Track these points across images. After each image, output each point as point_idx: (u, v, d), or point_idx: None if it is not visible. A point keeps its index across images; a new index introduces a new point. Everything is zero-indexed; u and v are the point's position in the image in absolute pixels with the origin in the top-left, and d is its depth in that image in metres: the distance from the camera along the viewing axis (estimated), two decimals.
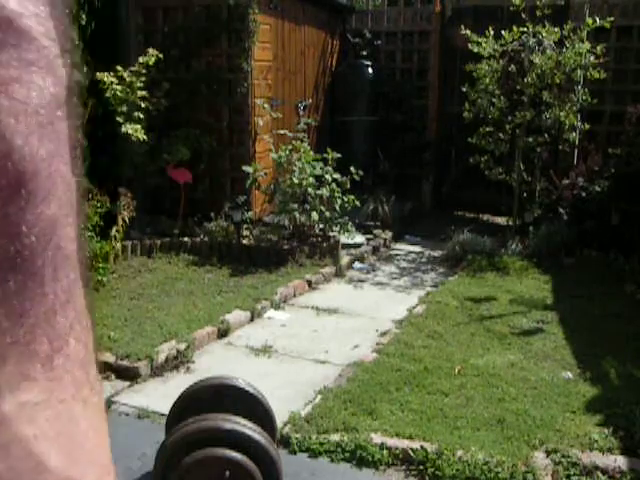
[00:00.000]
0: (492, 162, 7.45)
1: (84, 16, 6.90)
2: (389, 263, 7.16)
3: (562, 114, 7.18)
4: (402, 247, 7.87)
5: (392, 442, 3.35)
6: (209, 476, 2.60)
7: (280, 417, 3.40)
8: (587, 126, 7.55)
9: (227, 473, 2.59)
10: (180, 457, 2.62)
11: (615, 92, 8.38)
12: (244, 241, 6.86)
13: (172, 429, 2.80)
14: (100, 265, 5.73)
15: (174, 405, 3.09)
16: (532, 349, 4.69)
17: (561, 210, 7.39)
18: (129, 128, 6.60)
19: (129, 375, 4.13)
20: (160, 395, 3.90)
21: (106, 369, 4.16)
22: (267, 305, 5.48)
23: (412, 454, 3.27)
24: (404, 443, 3.34)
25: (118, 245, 6.18)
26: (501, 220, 8.37)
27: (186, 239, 6.80)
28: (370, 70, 9.35)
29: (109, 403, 3.83)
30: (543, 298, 5.85)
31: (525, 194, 7.58)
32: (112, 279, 5.81)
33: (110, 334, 4.55)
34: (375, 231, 7.87)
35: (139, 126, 6.68)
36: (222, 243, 6.75)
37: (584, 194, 7.25)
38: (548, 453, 3.29)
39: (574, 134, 7.47)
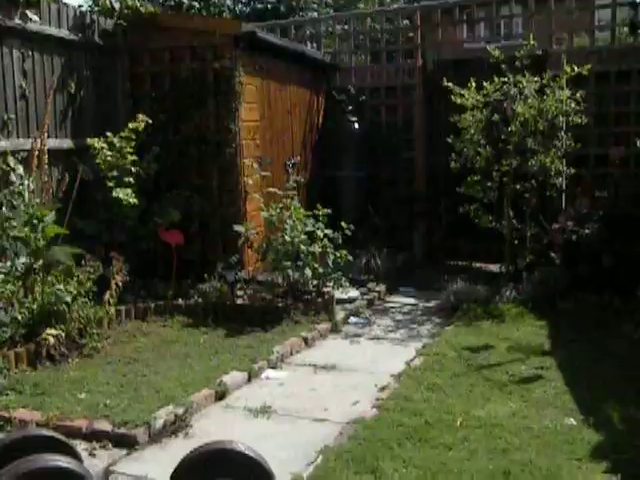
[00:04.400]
0: (482, 210, 7.50)
1: (73, 84, 7.01)
2: (384, 316, 7.13)
3: (547, 160, 7.26)
4: (397, 299, 7.86)
5: None
6: None
7: None
8: (573, 170, 7.63)
9: None
10: None
11: (597, 135, 8.50)
12: (238, 301, 6.84)
13: None
14: (94, 331, 5.70)
15: (174, 473, 3.04)
16: (533, 397, 4.65)
17: (553, 254, 7.42)
18: (120, 193, 6.65)
19: (127, 443, 4.05)
20: (159, 462, 3.82)
21: (103, 438, 4.08)
22: (264, 365, 5.43)
23: None
24: None
25: (112, 310, 6.14)
26: (494, 267, 8.37)
27: (180, 301, 6.77)
28: (356, 125, 9.49)
29: (107, 473, 3.76)
30: (541, 344, 5.83)
31: (516, 240, 7.61)
32: (107, 344, 5.75)
33: (106, 402, 4.49)
34: (369, 285, 7.87)
35: (130, 190, 6.72)
36: (216, 304, 6.71)
37: (574, 237, 7.29)
38: None
39: (560, 179, 7.54)
